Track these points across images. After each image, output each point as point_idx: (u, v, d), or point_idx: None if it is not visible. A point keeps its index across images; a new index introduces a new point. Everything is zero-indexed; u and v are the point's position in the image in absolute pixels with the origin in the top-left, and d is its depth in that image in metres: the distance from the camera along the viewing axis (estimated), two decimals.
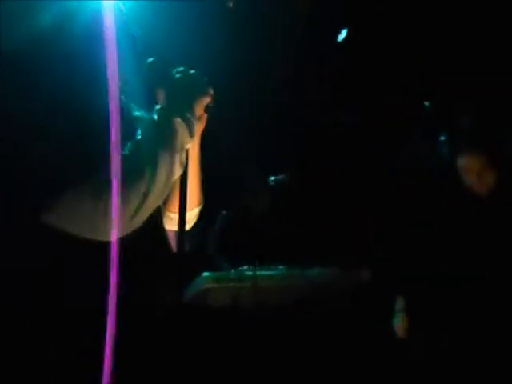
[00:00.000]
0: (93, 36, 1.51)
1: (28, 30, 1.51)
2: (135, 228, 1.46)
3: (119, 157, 1.41)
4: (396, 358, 2.79)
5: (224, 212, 4.15)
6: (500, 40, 3.73)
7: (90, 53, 1.50)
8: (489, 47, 3.75)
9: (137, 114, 1.67)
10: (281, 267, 3.60)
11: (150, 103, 1.66)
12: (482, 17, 3.78)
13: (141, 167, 1.45)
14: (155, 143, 1.50)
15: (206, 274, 3.48)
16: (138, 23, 1.69)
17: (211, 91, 1.68)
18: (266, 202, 4.03)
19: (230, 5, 3.47)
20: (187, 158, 1.65)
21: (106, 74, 1.45)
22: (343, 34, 4.05)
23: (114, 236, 1.41)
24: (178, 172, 1.56)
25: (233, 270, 3.48)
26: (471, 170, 2.67)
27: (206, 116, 1.72)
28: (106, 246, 1.39)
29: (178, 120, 1.56)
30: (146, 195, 1.44)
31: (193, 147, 1.71)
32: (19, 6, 1.54)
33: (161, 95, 1.66)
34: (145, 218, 1.48)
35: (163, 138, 1.52)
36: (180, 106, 1.60)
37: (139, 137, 1.53)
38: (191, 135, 1.58)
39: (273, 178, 4.39)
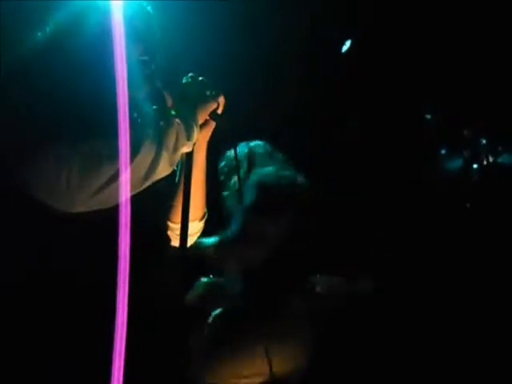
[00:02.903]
0: (102, 36, 1.51)
1: (40, 29, 1.53)
2: (94, 208, 1.41)
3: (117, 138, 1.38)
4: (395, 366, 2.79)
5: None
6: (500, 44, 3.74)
7: (99, 52, 1.51)
8: (489, 52, 3.76)
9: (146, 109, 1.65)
10: None
11: (157, 106, 1.67)
12: (482, 22, 3.80)
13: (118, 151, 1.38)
14: (145, 135, 1.47)
15: (204, 279, 3.48)
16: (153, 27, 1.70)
17: (220, 99, 1.69)
18: None
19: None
20: (190, 164, 1.64)
21: (114, 72, 1.44)
22: (347, 45, 4.06)
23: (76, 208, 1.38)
24: (163, 170, 1.51)
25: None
26: None
27: (212, 123, 1.72)
28: (113, 245, 1.38)
29: (177, 120, 1.55)
30: (112, 178, 1.39)
31: (198, 154, 1.71)
32: (31, 7, 1.56)
33: (169, 99, 1.67)
34: (108, 203, 1.41)
35: (155, 133, 1.49)
36: (183, 109, 1.61)
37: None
38: (189, 138, 1.56)
39: None
